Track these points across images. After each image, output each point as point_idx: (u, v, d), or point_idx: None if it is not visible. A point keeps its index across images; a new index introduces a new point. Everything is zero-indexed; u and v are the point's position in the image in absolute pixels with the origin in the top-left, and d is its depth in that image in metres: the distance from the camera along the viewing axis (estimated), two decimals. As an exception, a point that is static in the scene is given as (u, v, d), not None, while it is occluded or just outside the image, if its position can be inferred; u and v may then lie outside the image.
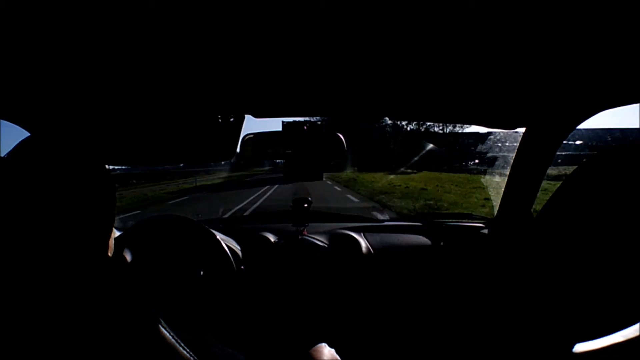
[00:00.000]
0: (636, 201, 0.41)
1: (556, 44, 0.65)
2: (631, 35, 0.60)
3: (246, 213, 7.23)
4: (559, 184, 0.49)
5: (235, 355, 0.60)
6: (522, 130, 1.23)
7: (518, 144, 1.24)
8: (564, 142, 1.14)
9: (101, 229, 0.50)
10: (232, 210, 7.86)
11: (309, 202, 1.40)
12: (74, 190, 0.46)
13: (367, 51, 0.69)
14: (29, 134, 0.49)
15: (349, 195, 10.29)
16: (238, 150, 1.16)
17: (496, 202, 1.42)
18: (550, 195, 0.50)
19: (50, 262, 0.44)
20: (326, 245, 1.33)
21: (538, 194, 1.23)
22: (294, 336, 1.22)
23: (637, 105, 0.89)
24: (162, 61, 0.72)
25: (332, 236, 1.39)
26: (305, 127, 1.20)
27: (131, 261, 1.20)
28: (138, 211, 8.67)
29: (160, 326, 0.47)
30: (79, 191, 0.46)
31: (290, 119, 1.27)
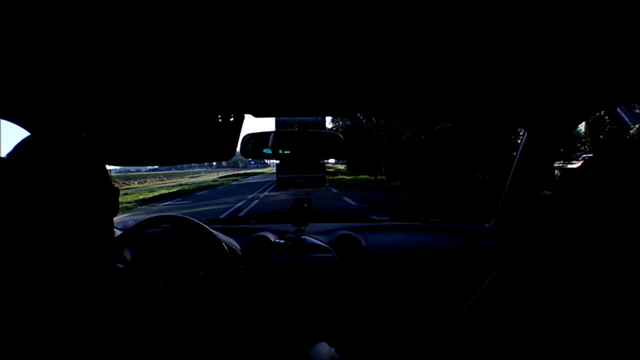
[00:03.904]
0: (635, 201, 0.41)
1: (557, 44, 0.65)
2: (631, 35, 0.60)
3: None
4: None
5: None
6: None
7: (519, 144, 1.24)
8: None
9: (101, 228, 0.50)
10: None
11: (309, 202, 1.40)
12: (73, 190, 0.46)
13: (367, 51, 0.69)
14: (29, 134, 0.49)
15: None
16: (238, 149, 1.17)
17: (496, 203, 1.42)
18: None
19: (50, 262, 0.44)
20: (326, 245, 1.33)
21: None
22: (293, 336, 1.22)
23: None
24: (163, 61, 0.71)
25: (332, 236, 1.39)
26: (295, 127, 1.20)
27: (131, 261, 1.20)
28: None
29: (159, 326, 0.47)
30: (79, 191, 0.46)
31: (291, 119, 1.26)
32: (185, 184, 22.41)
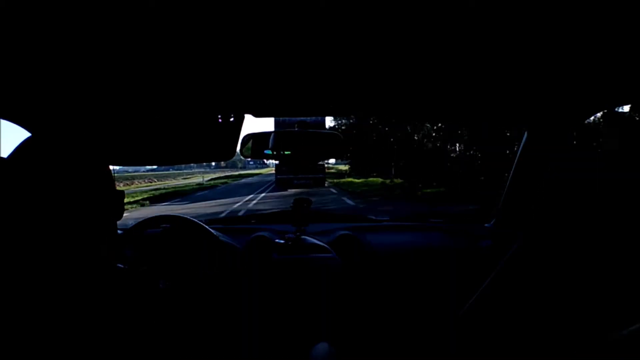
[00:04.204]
0: (635, 202, 0.41)
1: (557, 44, 0.65)
2: (631, 35, 0.60)
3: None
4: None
5: None
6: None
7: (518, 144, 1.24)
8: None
9: (102, 228, 0.50)
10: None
11: (309, 203, 1.40)
12: (75, 191, 0.46)
13: (367, 51, 0.69)
14: (29, 134, 0.49)
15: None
16: (238, 149, 1.17)
17: (496, 203, 1.42)
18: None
19: (52, 262, 0.44)
20: (326, 245, 1.33)
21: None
22: (294, 336, 1.22)
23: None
24: (163, 61, 0.71)
25: (332, 236, 1.39)
26: (295, 127, 1.19)
27: (131, 261, 1.20)
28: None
29: (159, 326, 0.47)
30: (80, 191, 0.46)
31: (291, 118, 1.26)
32: (163, 188, 18.89)
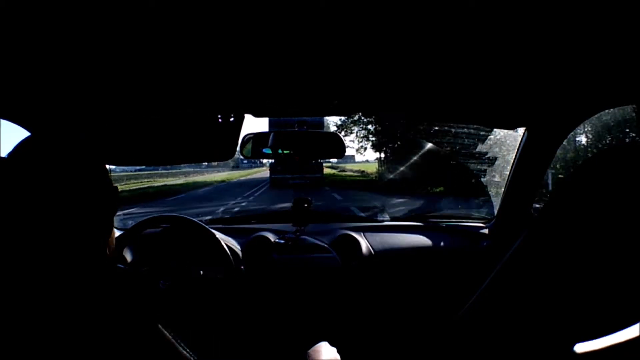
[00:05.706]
0: (636, 201, 0.41)
1: (556, 44, 0.65)
2: (631, 35, 0.60)
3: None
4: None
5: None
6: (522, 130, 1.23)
7: (518, 144, 1.24)
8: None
9: (101, 228, 0.50)
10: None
11: (309, 202, 1.40)
12: (74, 190, 0.46)
13: (367, 51, 0.69)
14: (29, 134, 0.49)
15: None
16: (238, 149, 1.17)
17: (496, 202, 1.42)
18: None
19: (51, 262, 0.44)
20: (326, 245, 1.33)
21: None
22: (294, 336, 1.22)
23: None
24: (163, 61, 0.71)
25: (332, 236, 1.39)
26: (295, 127, 1.20)
27: (131, 261, 1.20)
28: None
29: (159, 326, 0.47)
30: (79, 191, 0.46)
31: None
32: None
